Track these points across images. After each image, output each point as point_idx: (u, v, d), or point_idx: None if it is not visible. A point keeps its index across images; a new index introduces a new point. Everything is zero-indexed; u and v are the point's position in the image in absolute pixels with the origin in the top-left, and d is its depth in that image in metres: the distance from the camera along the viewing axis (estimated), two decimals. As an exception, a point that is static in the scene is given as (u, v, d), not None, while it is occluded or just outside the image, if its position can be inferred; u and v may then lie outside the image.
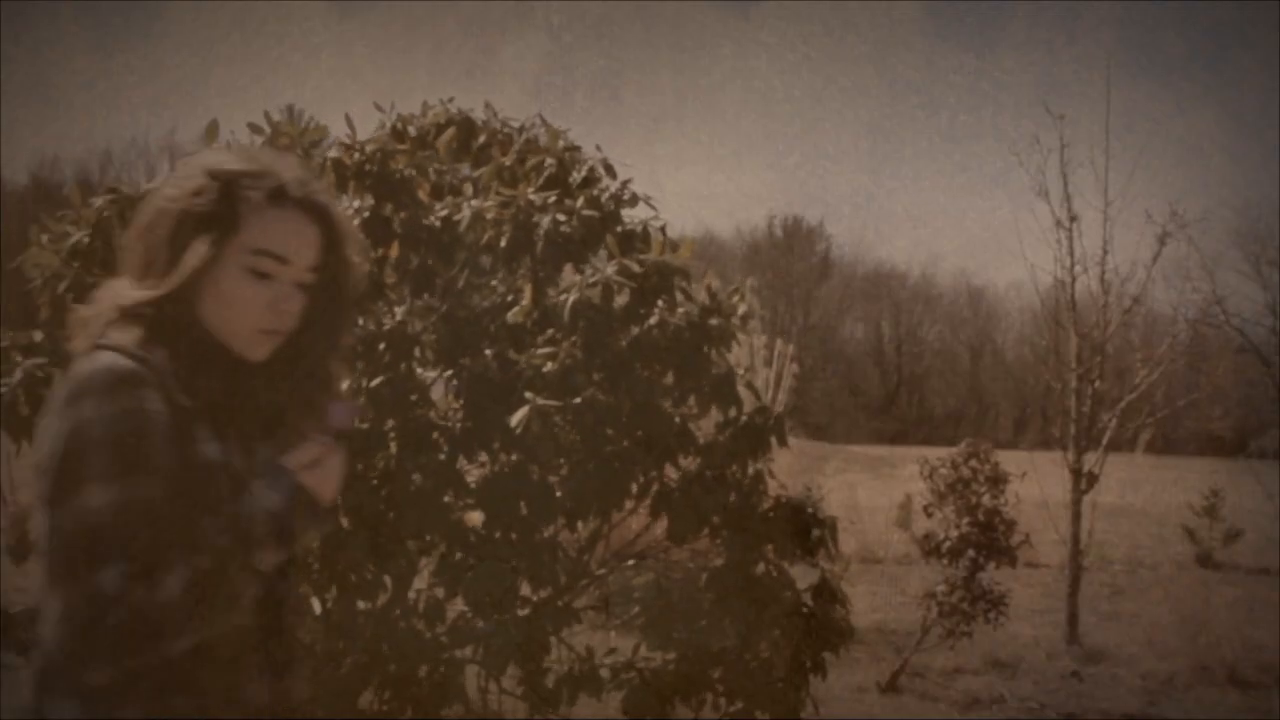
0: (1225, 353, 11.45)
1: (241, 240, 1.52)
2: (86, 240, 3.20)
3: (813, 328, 37.89)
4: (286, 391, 1.61)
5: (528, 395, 3.15)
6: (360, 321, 3.38)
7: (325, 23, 60.10)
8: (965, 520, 6.37)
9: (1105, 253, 8.11)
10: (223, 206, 1.51)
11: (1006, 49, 54.58)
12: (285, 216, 1.54)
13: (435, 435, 3.40)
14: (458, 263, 3.43)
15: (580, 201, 3.46)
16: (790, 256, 39.90)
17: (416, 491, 3.32)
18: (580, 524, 3.50)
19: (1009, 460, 6.76)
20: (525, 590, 3.46)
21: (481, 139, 3.88)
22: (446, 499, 3.38)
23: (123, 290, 1.53)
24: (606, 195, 3.64)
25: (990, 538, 6.35)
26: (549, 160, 3.63)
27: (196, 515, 1.45)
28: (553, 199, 3.39)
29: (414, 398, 3.37)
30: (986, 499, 6.43)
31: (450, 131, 3.76)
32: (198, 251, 1.50)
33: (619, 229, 3.54)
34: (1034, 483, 6.88)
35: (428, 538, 3.38)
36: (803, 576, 3.68)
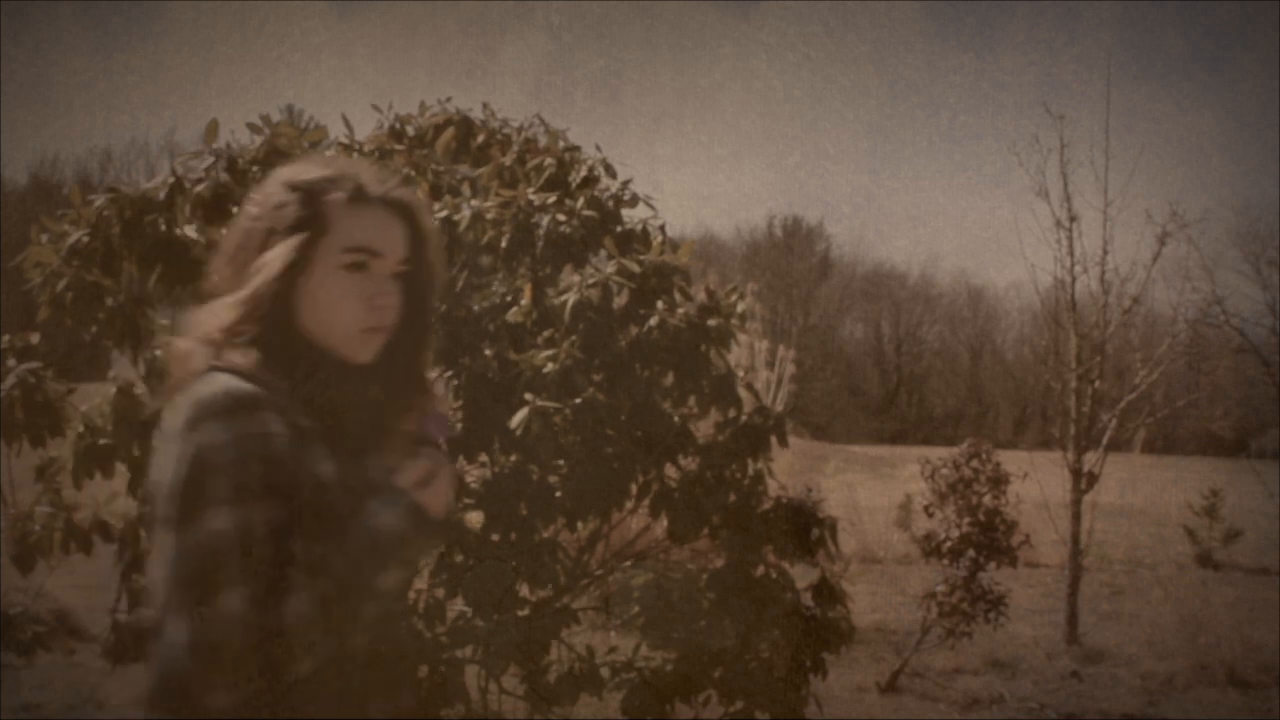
0: (1225, 353, 11.45)
1: (330, 242, 1.53)
2: (86, 240, 3.20)
3: (813, 328, 37.89)
4: (387, 395, 1.60)
5: (527, 396, 3.15)
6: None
7: (325, 23, 60.10)
8: (966, 520, 6.37)
9: (1105, 253, 8.13)
10: (307, 213, 1.53)
11: (1006, 49, 54.56)
12: (370, 213, 1.55)
13: (435, 435, 3.40)
14: (457, 263, 3.43)
15: (580, 202, 3.46)
16: (790, 256, 39.91)
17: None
18: (580, 524, 3.50)
19: (1009, 460, 6.76)
20: (525, 591, 3.46)
21: (480, 139, 3.88)
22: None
23: (220, 311, 1.53)
24: (606, 195, 3.64)
25: (991, 538, 6.35)
26: (549, 160, 3.63)
27: (317, 537, 1.44)
28: (552, 199, 3.39)
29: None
30: (987, 499, 6.43)
31: (449, 132, 3.76)
32: (288, 247, 1.51)
33: (619, 229, 3.54)
34: (1034, 483, 6.89)
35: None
36: (803, 576, 3.68)
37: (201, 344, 1.52)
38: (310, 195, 1.54)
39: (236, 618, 1.37)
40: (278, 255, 1.51)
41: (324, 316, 1.53)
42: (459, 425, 3.24)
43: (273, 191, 1.56)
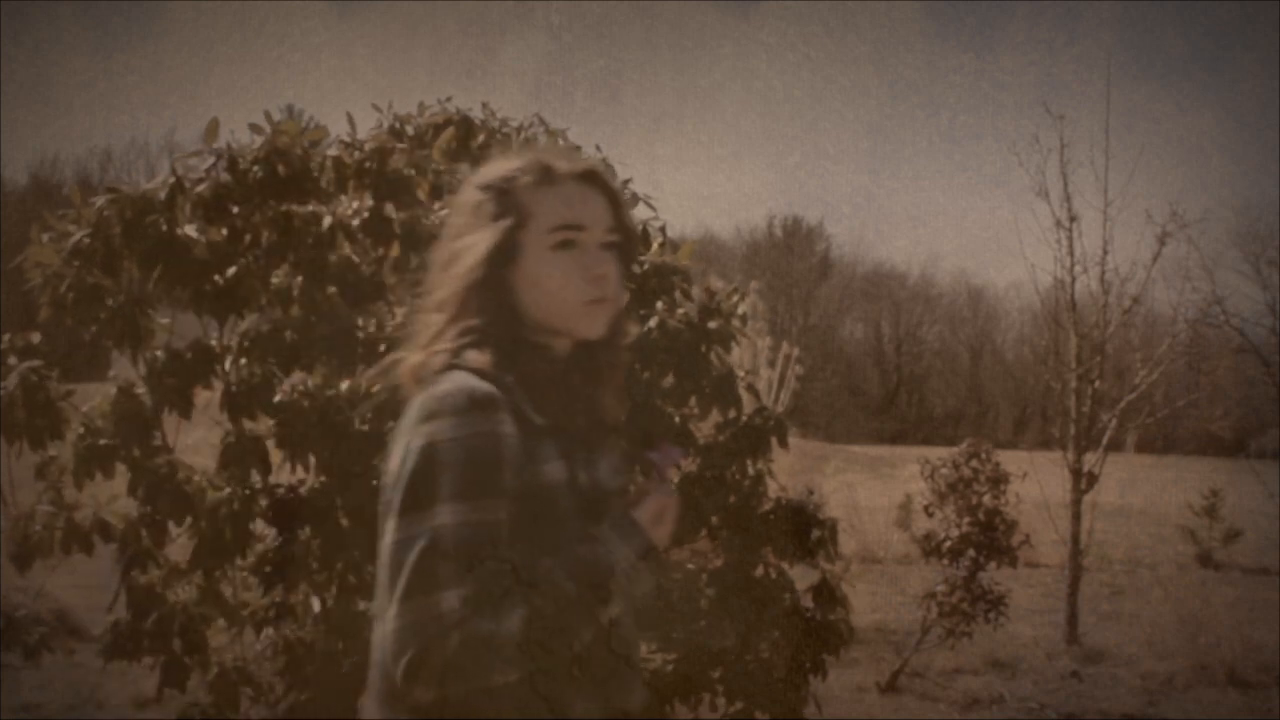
0: (1225, 353, 11.46)
1: (535, 227, 1.54)
2: (87, 240, 3.20)
3: (813, 328, 37.88)
4: (603, 375, 1.61)
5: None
6: (360, 322, 3.38)
7: (325, 23, 60.09)
8: (966, 520, 6.37)
9: (1105, 253, 8.13)
10: (504, 204, 1.55)
11: (1006, 49, 54.58)
12: (566, 190, 1.57)
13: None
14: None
15: (580, 202, 3.46)
16: (790, 256, 39.90)
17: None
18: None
19: (1009, 460, 6.76)
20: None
21: (480, 139, 3.88)
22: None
23: (435, 317, 1.56)
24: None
25: (990, 538, 6.35)
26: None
27: (541, 544, 1.45)
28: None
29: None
30: (987, 499, 6.43)
31: (448, 133, 3.76)
32: (486, 233, 1.52)
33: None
34: (1034, 483, 6.89)
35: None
36: (803, 577, 3.68)
37: (429, 353, 1.53)
38: (503, 187, 1.56)
39: (447, 615, 1.36)
40: (478, 240, 1.53)
41: (547, 300, 1.54)
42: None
43: (468, 196, 1.59)
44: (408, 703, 1.42)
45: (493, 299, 1.53)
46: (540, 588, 1.41)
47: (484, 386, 1.45)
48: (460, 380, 1.46)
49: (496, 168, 1.60)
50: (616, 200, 1.61)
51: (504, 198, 1.55)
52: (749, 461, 3.54)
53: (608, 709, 1.51)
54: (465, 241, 1.55)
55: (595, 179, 1.60)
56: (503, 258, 1.53)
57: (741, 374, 3.60)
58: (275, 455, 3.36)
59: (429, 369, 1.52)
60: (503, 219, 1.53)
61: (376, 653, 1.45)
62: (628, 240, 1.62)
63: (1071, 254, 8.07)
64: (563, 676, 1.45)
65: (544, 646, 1.40)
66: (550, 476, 1.47)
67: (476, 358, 1.49)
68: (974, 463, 6.53)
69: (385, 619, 1.40)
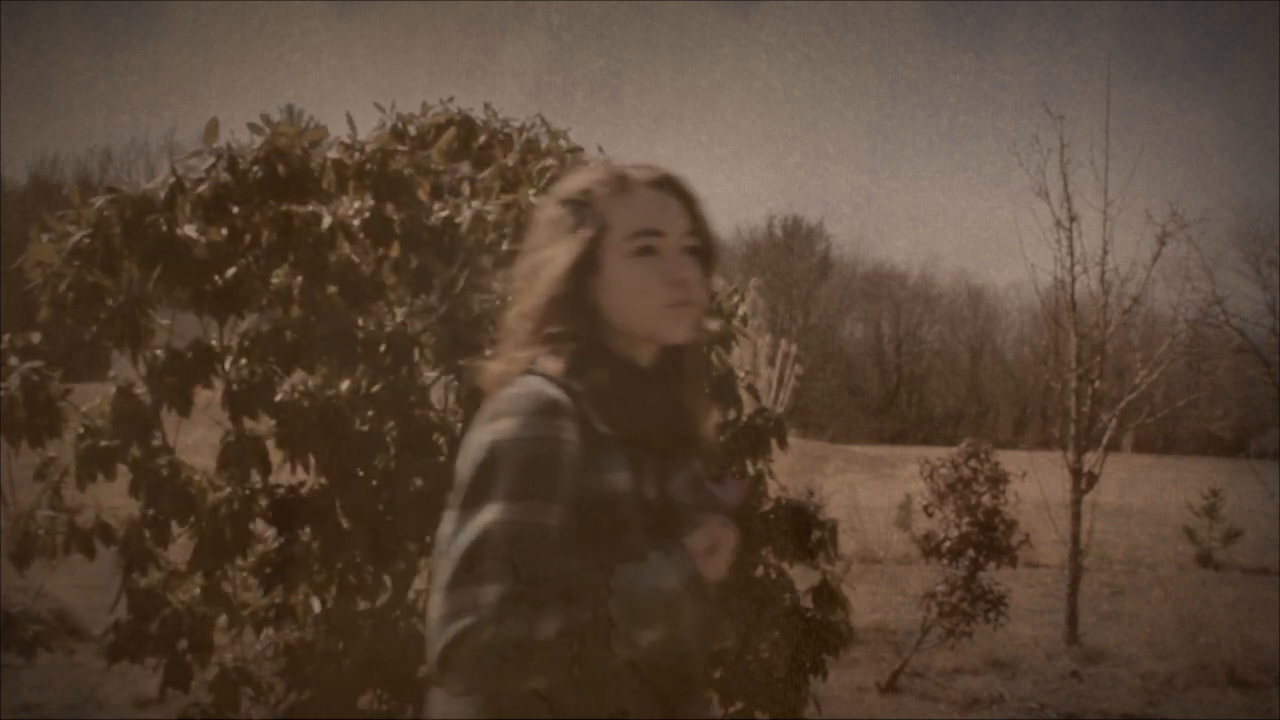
0: (1225, 353, 11.47)
1: (614, 235, 1.56)
2: (87, 240, 3.20)
3: (813, 328, 37.88)
4: (685, 389, 1.63)
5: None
6: (360, 322, 3.38)
7: (325, 23, 60.14)
8: (965, 520, 6.37)
9: (1105, 253, 8.12)
10: (582, 215, 1.58)
11: (1006, 49, 54.58)
12: (643, 196, 1.59)
13: (435, 437, 3.40)
14: (457, 263, 3.43)
15: (580, 202, 3.46)
16: (790, 256, 39.90)
17: (416, 493, 3.32)
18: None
19: (1009, 460, 6.76)
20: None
21: (482, 139, 3.88)
22: (446, 500, 3.38)
23: (518, 327, 1.59)
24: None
25: (990, 538, 6.35)
26: (550, 162, 3.63)
27: (600, 553, 1.46)
28: (553, 200, 3.39)
29: (413, 399, 3.37)
30: (987, 499, 6.43)
31: (450, 133, 3.76)
32: (568, 243, 1.55)
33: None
34: (1034, 483, 6.89)
35: (428, 539, 3.38)
36: (803, 577, 3.68)
37: (510, 361, 1.56)
38: (581, 200, 1.59)
39: (484, 610, 1.38)
40: (559, 252, 1.56)
41: (629, 306, 1.56)
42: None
43: (547, 211, 1.62)
44: (455, 690, 1.46)
45: (575, 308, 1.55)
46: (581, 602, 1.42)
47: (551, 392, 1.49)
48: (531, 385, 1.50)
49: (574, 181, 1.63)
50: (694, 205, 1.63)
51: (582, 209, 1.58)
52: (749, 462, 3.54)
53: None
54: (546, 254, 1.58)
55: (671, 185, 1.62)
56: (584, 268, 1.56)
57: (741, 374, 3.60)
58: (275, 455, 3.36)
59: (509, 375, 1.55)
60: (582, 230, 1.56)
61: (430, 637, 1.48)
62: (707, 244, 1.63)
63: (1071, 254, 8.08)
64: (590, 690, 1.46)
65: (575, 660, 1.41)
66: (614, 486, 1.49)
67: (551, 365, 1.53)
68: (974, 463, 6.53)
69: (430, 605, 1.44)
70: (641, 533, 1.50)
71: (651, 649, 1.47)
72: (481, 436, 1.48)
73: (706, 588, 1.52)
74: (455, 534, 1.44)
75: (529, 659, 1.40)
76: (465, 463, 1.49)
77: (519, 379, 1.52)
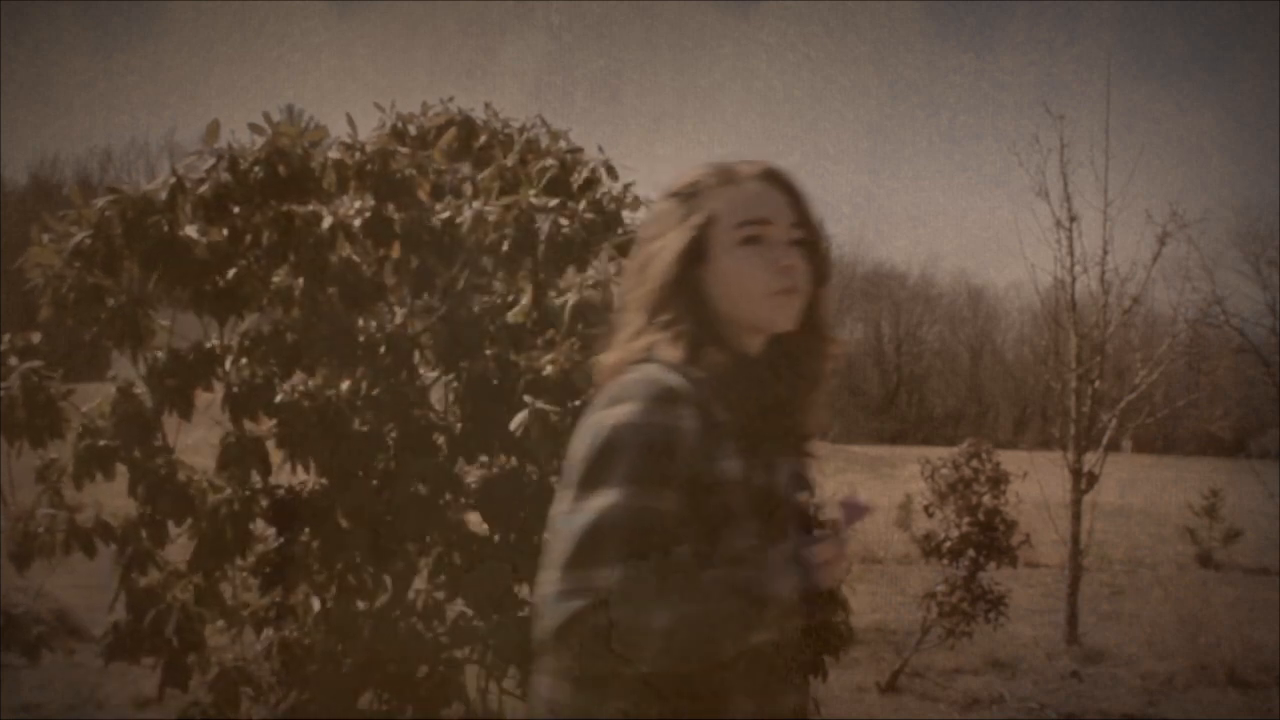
0: (1225, 353, 11.47)
1: (722, 225, 1.59)
2: (88, 241, 3.20)
3: (813, 327, 37.77)
4: (799, 379, 1.64)
5: (526, 399, 3.15)
6: (360, 323, 3.38)
7: (325, 23, 60.17)
8: (966, 520, 6.37)
9: (1105, 253, 8.12)
10: (690, 206, 1.61)
11: (1006, 49, 54.60)
12: (749, 188, 1.62)
13: (435, 437, 3.40)
14: (457, 264, 3.43)
15: (582, 205, 3.46)
16: (790, 256, 39.79)
17: (416, 493, 3.32)
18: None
19: (1009, 460, 6.76)
20: (525, 591, 3.46)
21: (482, 139, 3.88)
22: (445, 500, 3.38)
23: (630, 318, 1.61)
24: (608, 198, 3.64)
25: (990, 538, 6.35)
26: (550, 162, 3.63)
27: (708, 539, 1.48)
28: (554, 203, 3.39)
29: (413, 400, 3.38)
30: (987, 499, 6.43)
31: (450, 134, 3.76)
32: (678, 233, 1.58)
33: (620, 231, 3.54)
34: (1034, 483, 6.89)
35: (427, 539, 3.38)
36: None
37: (626, 349, 1.58)
38: (689, 192, 1.62)
39: (600, 591, 1.40)
40: (669, 242, 1.59)
41: (736, 293, 1.58)
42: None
43: (657, 205, 1.65)
44: (566, 673, 1.49)
45: (685, 296, 1.58)
46: (694, 595, 1.44)
47: (670, 378, 1.50)
48: (649, 371, 1.52)
49: (682, 176, 1.65)
50: (800, 198, 1.65)
51: (691, 201, 1.61)
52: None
53: (759, 712, 1.54)
54: (657, 245, 1.61)
55: (777, 178, 1.64)
56: (693, 256, 1.58)
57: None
58: (275, 456, 3.36)
59: (625, 363, 1.57)
60: (690, 220, 1.59)
61: (540, 619, 1.49)
62: (813, 237, 1.65)
63: (1071, 254, 8.07)
64: (694, 679, 1.48)
65: (688, 651, 1.43)
66: (724, 473, 1.51)
67: (668, 352, 1.55)
68: (974, 463, 6.53)
69: (542, 583, 1.45)
70: (747, 521, 1.52)
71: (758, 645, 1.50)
72: (601, 420, 1.49)
73: (816, 594, 1.54)
74: (571, 513, 1.45)
75: (639, 646, 1.41)
76: (582, 445, 1.49)
77: (635, 366, 1.54)
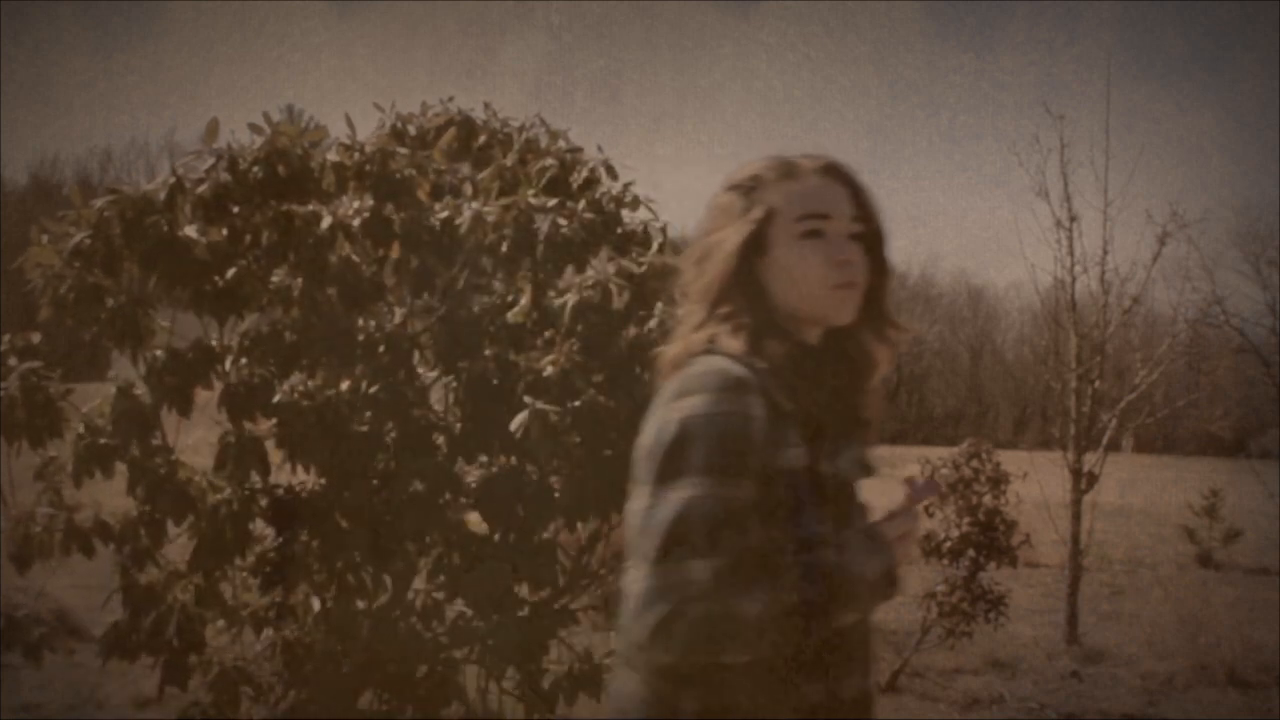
0: (1225, 353, 11.47)
1: (782, 219, 1.61)
2: (88, 241, 3.20)
3: (813, 327, 37.77)
4: (859, 369, 1.66)
5: (526, 399, 3.15)
6: (361, 322, 3.38)
7: (325, 23, 60.16)
8: (966, 520, 6.37)
9: (1105, 253, 8.11)
10: (751, 200, 1.62)
11: (1006, 49, 54.60)
12: (810, 183, 1.63)
13: (434, 437, 3.40)
14: (457, 264, 3.43)
15: (581, 204, 3.46)
16: (790, 256, 39.79)
17: (416, 493, 3.32)
18: (580, 525, 3.50)
19: (1009, 460, 6.76)
20: (525, 591, 3.46)
21: (482, 139, 3.88)
22: (445, 500, 3.38)
23: (692, 311, 1.62)
24: (607, 198, 3.64)
25: (991, 538, 6.34)
26: (550, 162, 3.63)
27: (778, 527, 1.50)
28: (553, 203, 3.39)
29: (412, 400, 3.38)
30: (987, 499, 6.43)
31: (450, 133, 3.76)
32: (738, 227, 1.60)
33: (619, 231, 3.54)
34: (1034, 483, 6.88)
35: (427, 539, 3.38)
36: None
37: (688, 342, 1.59)
38: (750, 186, 1.63)
39: (694, 585, 1.41)
40: (729, 235, 1.60)
41: (796, 287, 1.60)
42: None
43: (717, 198, 1.66)
44: (646, 662, 1.50)
45: (746, 289, 1.59)
46: (783, 581, 1.46)
47: (736, 368, 1.51)
48: (715, 362, 1.53)
49: (743, 170, 1.66)
50: (860, 193, 1.66)
51: (751, 194, 1.63)
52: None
53: (830, 696, 1.56)
54: (717, 238, 1.62)
55: (838, 173, 1.65)
56: (753, 249, 1.60)
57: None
58: (275, 455, 3.36)
59: (686, 356, 1.58)
60: (751, 213, 1.61)
61: (626, 613, 1.50)
62: (874, 231, 1.66)
63: (1071, 254, 8.07)
64: (791, 666, 1.50)
65: (779, 638, 1.45)
66: (791, 461, 1.52)
67: (730, 343, 1.56)
68: (974, 463, 6.53)
69: (632, 580, 1.45)
70: (817, 508, 1.54)
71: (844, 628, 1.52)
72: (670, 413, 1.49)
73: (897, 576, 1.56)
74: (651, 509, 1.46)
75: (732, 637, 1.43)
76: (654, 439, 1.50)
77: (699, 358, 1.55)
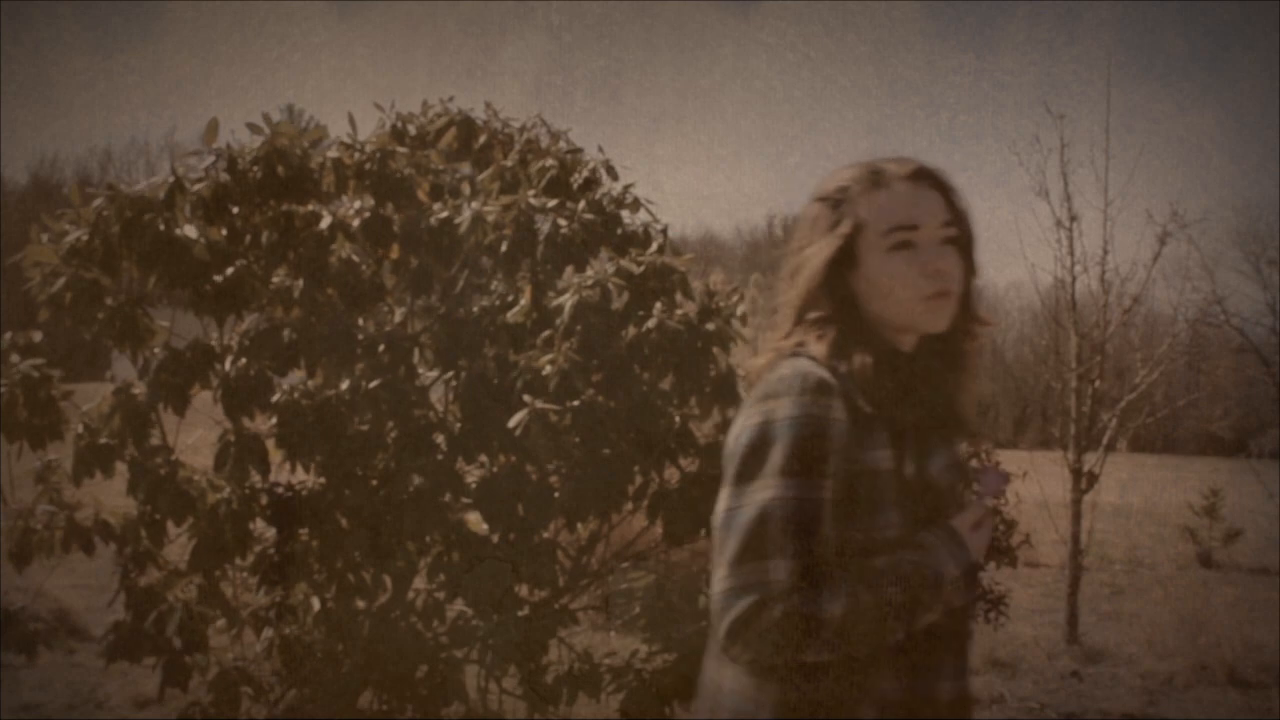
0: (1225, 353, 11.46)
1: (871, 231, 1.60)
2: (86, 239, 3.20)
3: (813, 327, 37.75)
4: (948, 373, 1.66)
5: (526, 398, 3.15)
6: (360, 322, 3.38)
7: (325, 23, 60.16)
8: (965, 520, 6.36)
9: (1105, 253, 8.10)
10: (841, 213, 1.62)
11: (1006, 49, 54.63)
12: (898, 191, 1.61)
13: (434, 437, 3.40)
14: (457, 264, 3.43)
15: (581, 205, 3.46)
16: (790, 256, 39.76)
17: (415, 492, 3.32)
18: (580, 525, 3.50)
19: (1009, 460, 6.72)
20: (525, 591, 3.46)
21: (482, 139, 3.88)
22: (445, 499, 3.38)
23: (782, 320, 1.64)
24: (607, 198, 3.64)
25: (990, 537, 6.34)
26: (550, 163, 3.63)
27: (861, 528, 1.51)
28: (553, 203, 3.39)
29: (413, 399, 3.38)
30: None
31: (450, 134, 3.76)
32: (826, 240, 1.60)
33: (619, 231, 3.54)
34: (1034, 483, 6.88)
35: (427, 538, 3.38)
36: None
37: (776, 348, 1.61)
38: (838, 198, 1.63)
39: (774, 585, 1.43)
40: (818, 250, 1.61)
41: (888, 301, 1.60)
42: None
43: (807, 209, 1.66)
44: (737, 661, 1.51)
45: (835, 298, 1.60)
46: (866, 582, 1.47)
47: (819, 372, 1.53)
48: (799, 366, 1.55)
49: (831, 180, 1.66)
50: (951, 196, 1.65)
51: (839, 207, 1.62)
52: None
53: (919, 696, 1.56)
54: (807, 253, 1.63)
55: (927, 177, 1.64)
56: (842, 264, 1.60)
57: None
58: (275, 455, 3.36)
59: (773, 361, 1.61)
60: (839, 227, 1.61)
61: (713, 608, 1.52)
62: (966, 233, 1.65)
63: (1071, 254, 8.05)
64: (874, 665, 1.51)
65: (860, 638, 1.47)
66: (875, 464, 1.53)
67: (816, 348, 1.57)
68: (974, 462, 6.53)
69: (716, 579, 1.48)
70: (898, 510, 1.54)
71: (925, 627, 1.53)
72: (753, 415, 1.52)
73: (976, 573, 1.57)
74: (733, 509, 1.49)
75: (816, 636, 1.44)
76: (738, 441, 1.52)
77: (785, 362, 1.57)
